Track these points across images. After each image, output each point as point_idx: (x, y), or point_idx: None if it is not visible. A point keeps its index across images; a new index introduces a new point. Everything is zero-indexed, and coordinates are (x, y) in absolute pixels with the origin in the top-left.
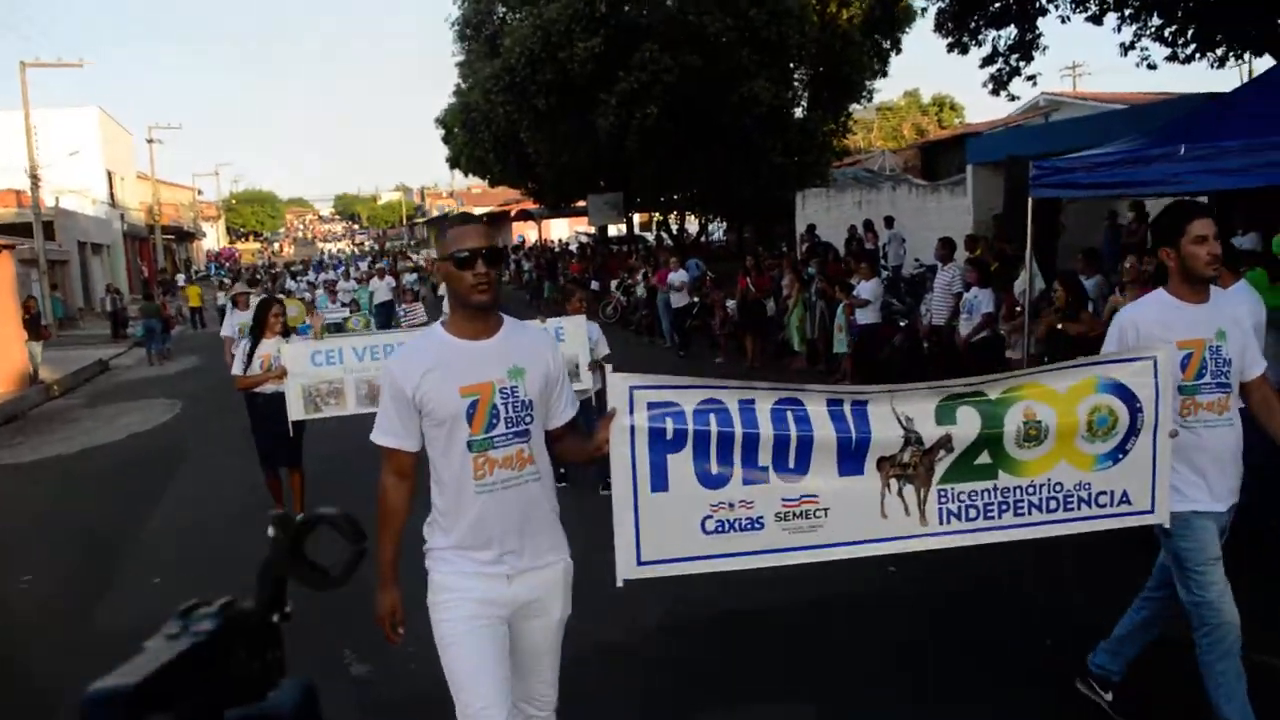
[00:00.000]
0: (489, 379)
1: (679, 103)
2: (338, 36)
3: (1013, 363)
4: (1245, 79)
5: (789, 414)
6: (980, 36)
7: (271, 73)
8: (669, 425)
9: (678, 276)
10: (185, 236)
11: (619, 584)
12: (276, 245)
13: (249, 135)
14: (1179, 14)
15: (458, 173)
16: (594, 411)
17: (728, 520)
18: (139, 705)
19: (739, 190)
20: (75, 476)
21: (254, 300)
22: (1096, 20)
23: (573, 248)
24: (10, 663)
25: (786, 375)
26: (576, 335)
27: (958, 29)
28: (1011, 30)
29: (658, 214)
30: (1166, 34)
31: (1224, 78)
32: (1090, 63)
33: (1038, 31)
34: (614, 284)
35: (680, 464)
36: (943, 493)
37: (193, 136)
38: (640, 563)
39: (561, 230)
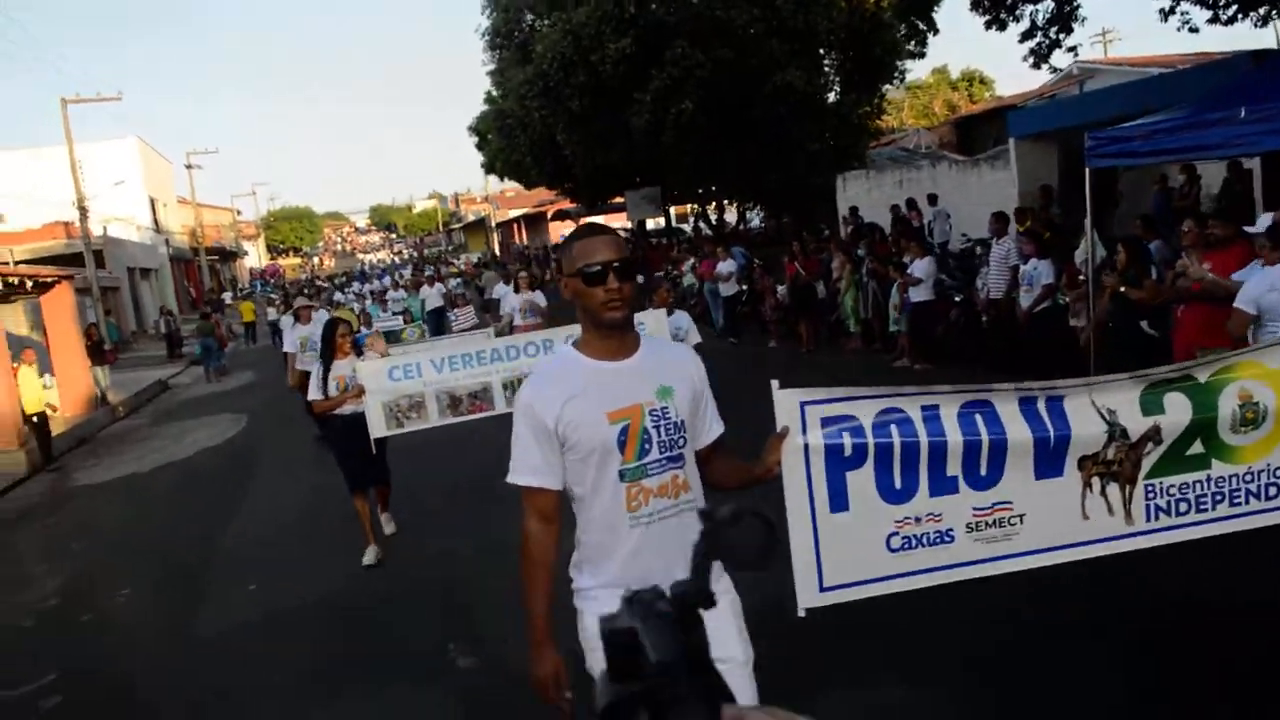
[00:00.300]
0: (637, 401)
1: (713, 96)
2: (366, 51)
3: (1078, 331)
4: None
5: (978, 417)
6: (1018, 11)
7: (300, 91)
8: (847, 441)
9: (726, 266)
10: (228, 256)
11: (800, 614)
12: (316, 259)
13: (282, 154)
14: None
15: (492, 177)
16: None
17: (914, 536)
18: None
19: (776, 179)
20: (152, 493)
21: (317, 315)
22: None
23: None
24: (123, 675)
25: (843, 356)
26: (658, 328)
27: (994, 6)
28: (1049, 3)
29: (695, 205)
30: None
31: (1259, 37)
32: (1120, 27)
33: (1076, 3)
34: (658, 275)
35: (861, 481)
36: (1150, 488)
37: (228, 159)
38: (823, 589)
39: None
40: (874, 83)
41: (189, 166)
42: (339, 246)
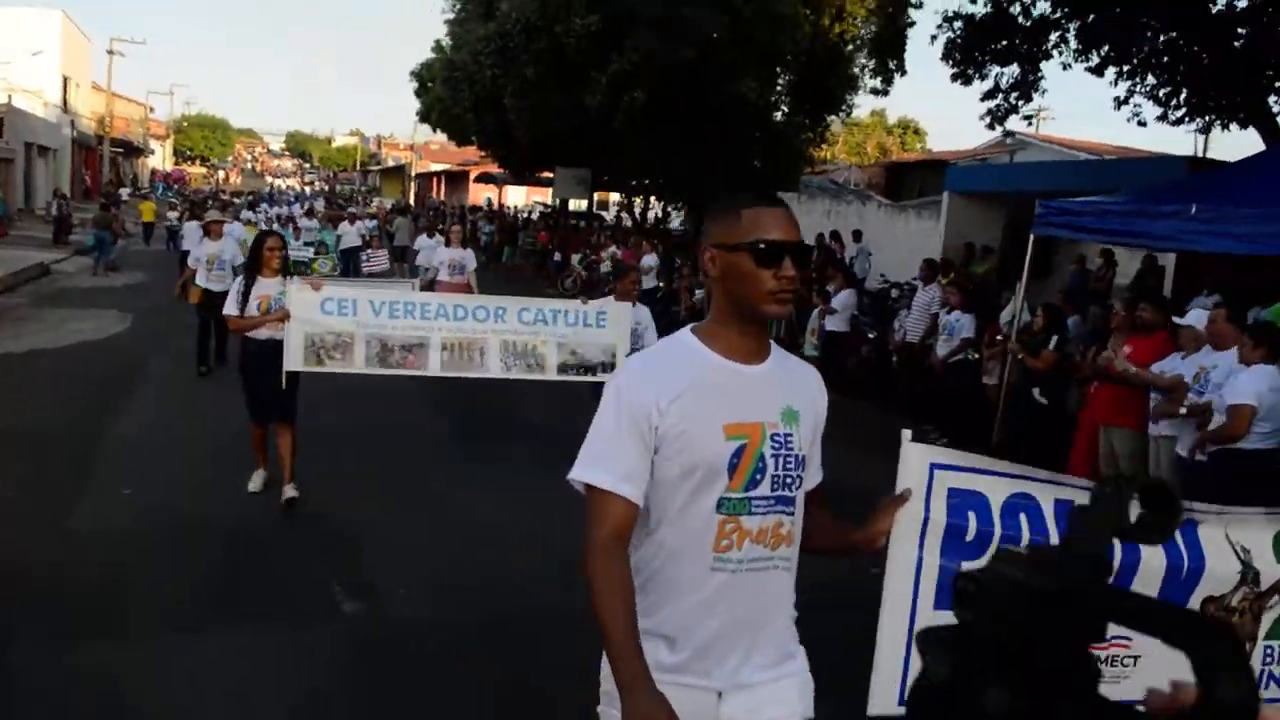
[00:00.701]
0: (759, 419)
1: (667, 91)
2: None
3: (989, 388)
4: (1201, 150)
5: None
6: (984, 71)
7: None
8: (972, 524)
9: (649, 260)
10: (134, 152)
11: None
12: (223, 173)
13: (207, 59)
14: (1177, 77)
15: (423, 127)
16: None
17: None
18: None
19: (713, 183)
20: (25, 376)
21: (228, 229)
22: (1097, 71)
23: (533, 216)
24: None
25: None
26: (620, 322)
27: (964, 61)
28: (1014, 69)
29: (623, 195)
30: (1161, 94)
31: (1180, 142)
32: (1054, 107)
33: (1040, 74)
34: (575, 258)
35: None
36: (1269, 651)
37: (152, 52)
38: (903, 701)
39: (518, 197)
40: (821, 111)
41: (110, 52)
42: (249, 165)
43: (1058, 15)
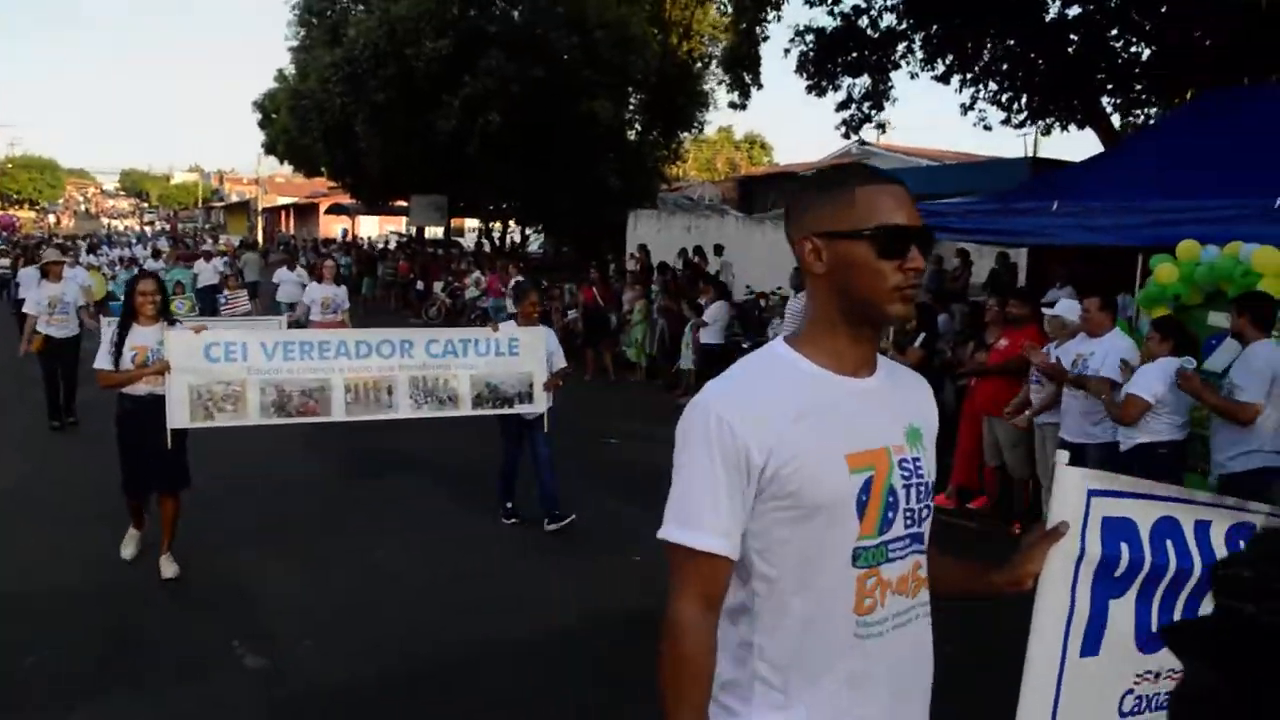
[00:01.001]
0: (883, 444)
1: (520, 113)
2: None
3: None
4: (1032, 153)
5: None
6: (837, 82)
7: (62, 28)
8: (1124, 555)
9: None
10: None
11: None
12: (53, 217)
13: (29, 94)
14: (1017, 82)
15: (269, 159)
16: (541, 433)
17: (1149, 696)
18: None
19: (570, 204)
20: None
21: (69, 273)
22: (943, 79)
23: (390, 245)
24: None
25: (627, 390)
26: (534, 348)
27: (818, 73)
28: (865, 80)
29: (477, 220)
30: (1003, 99)
31: (1013, 145)
32: (895, 119)
33: (890, 83)
34: (438, 286)
35: (1121, 615)
36: None
37: None
38: None
39: (371, 228)
40: (673, 128)
41: None
42: (82, 207)
43: (904, 27)
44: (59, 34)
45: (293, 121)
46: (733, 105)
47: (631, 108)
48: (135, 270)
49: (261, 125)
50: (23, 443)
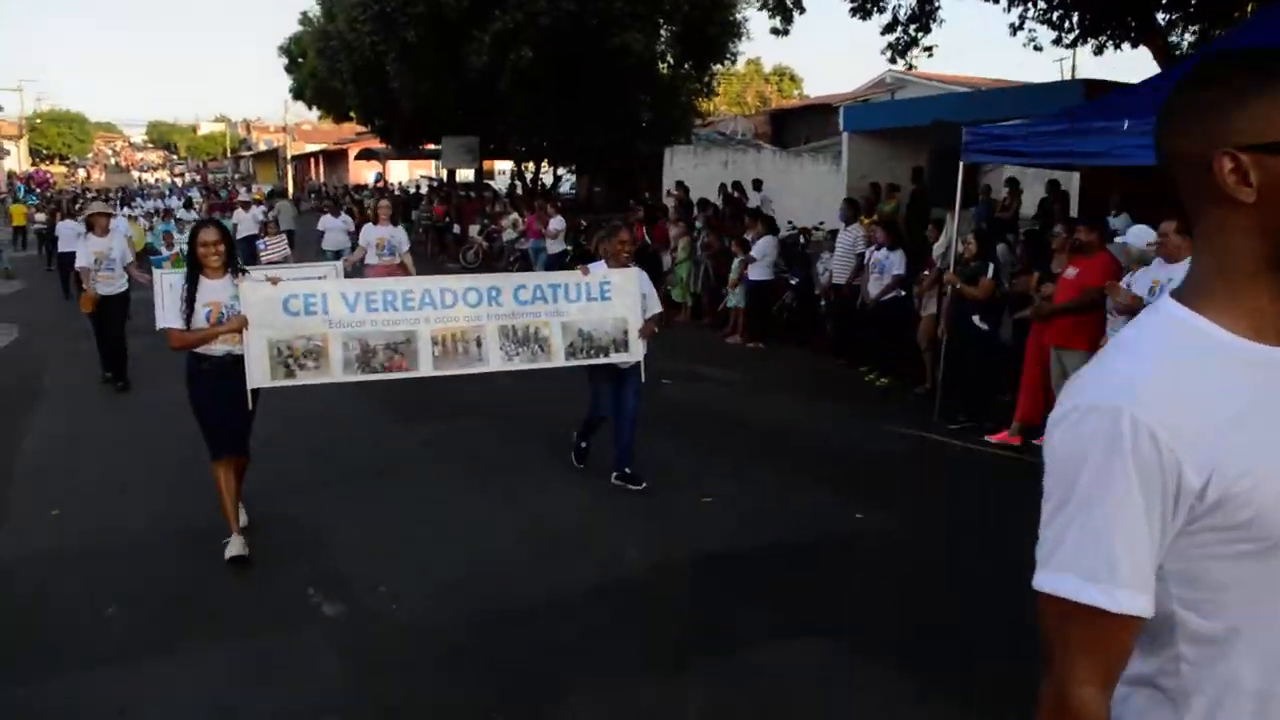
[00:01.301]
0: None
1: (551, 47)
2: None
3: (923, 324)
4: (1069, 74)
5: None
6: (882, 4)
7: None
8: None
9: (556, 223)
10: None
11: None
12: (83, 171)
13: (55, 50)
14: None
15: (293, 106)
16: (634, 384)
17: None
18: None
19: (603, 140)
20: None
21: (115, 224)
22: None
23: (422, 190)
24: None
25: (672, 331)
26: (628, 292)
27: None
28: (911, 1)
29: (509, 163)
30: (1054, 17)
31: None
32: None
33: (936, 4)
34: (474, 229)
35: None
36: None
37: None
38: None
39: (401, 173)
40: (705, 61)
41: None
42: (111, 160)
43: None
44: None
45: (321, 64)
46: (774, 31)
47: (663, 39)
48: (172, 223)
49: (288, 70)
50: (76, 400)
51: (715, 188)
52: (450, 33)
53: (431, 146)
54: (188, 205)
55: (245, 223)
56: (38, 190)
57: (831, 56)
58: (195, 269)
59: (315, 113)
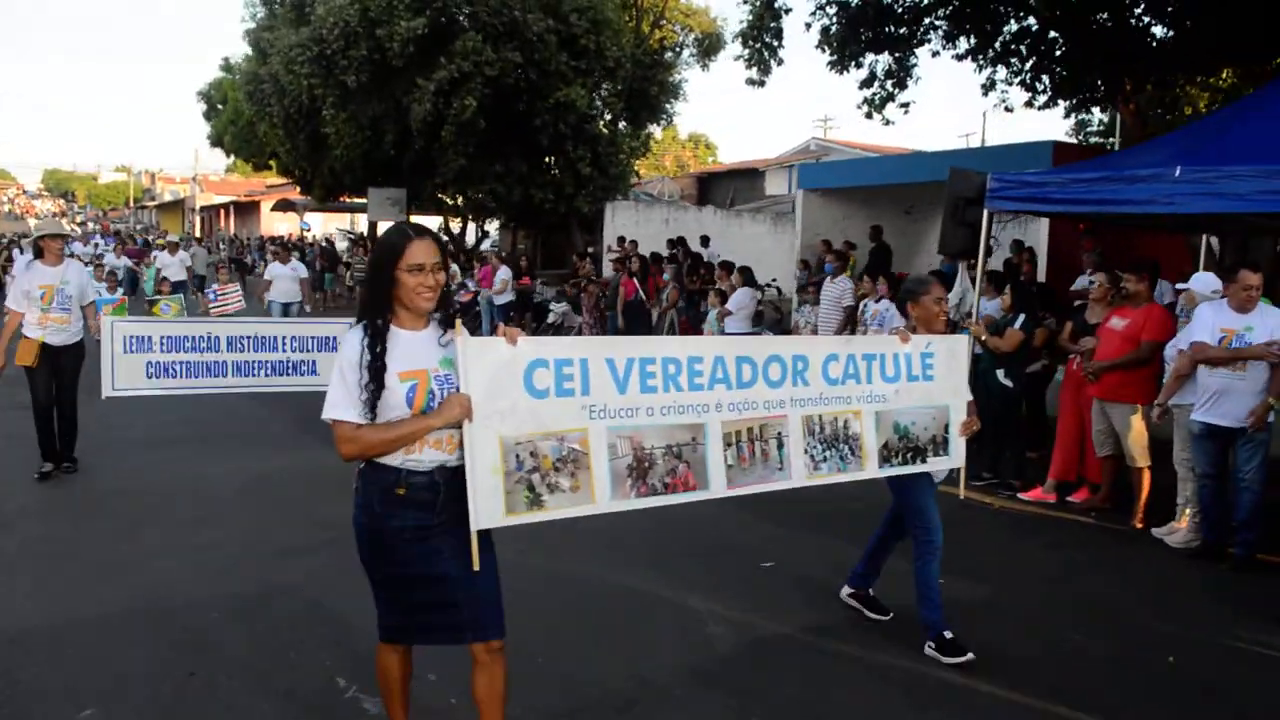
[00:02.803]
0: None
1: (496, 98)
2: None
3: None
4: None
5: None
6: (860, 60)
7: None
8: None
9: (503, 273)
10: None
11: None
12: None
13: None
14: (1043, 60)
15: (202, 157)
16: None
17: None
18: None
19: (543, 195)
20: None
21: (70, 254)
22: (962, 58)
23: (340, 244)
24: None
25: None
26: (955, 368)
27: (840, 48)
28: (887, 57)
29: (433, 217)
30: (1027, 77)
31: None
32: (839, 117)
33: (914, 60)
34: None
35: None
36: None
37: None
38: None
39: (316, 225)
40: (643, 120)
41: None
42: (5, 208)
43: (928, 1)
44: None
45: (250, 107)
46: (750, 83)
47: (604, 96)
48: (105, 271)
49: (206, 116)
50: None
51: (655, 244)
52: (392, 79)
53: (351, 200)
54: (119, 251)
55: (172, 268)
56: None
57: (745, 125)
58: (381, 311)
59: (227, 161)
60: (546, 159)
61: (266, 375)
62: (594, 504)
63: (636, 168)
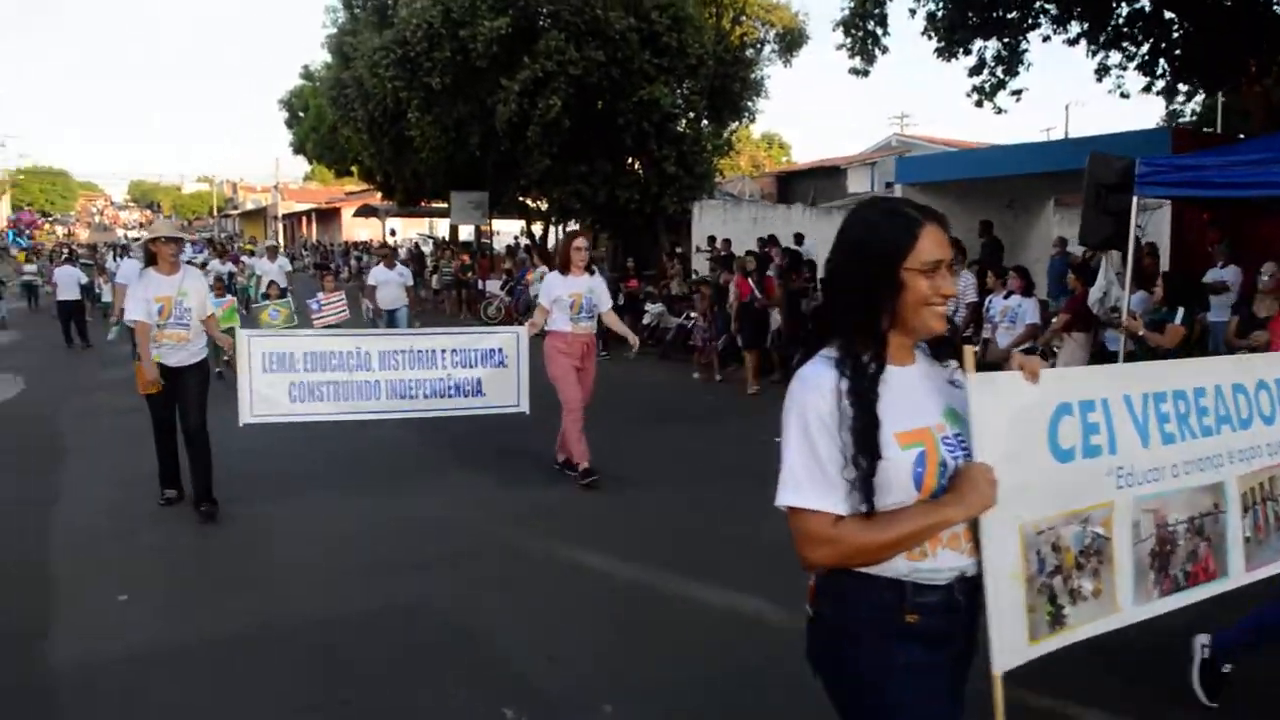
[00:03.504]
0: None
1: (580, 98)
2: (138, 11)
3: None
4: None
5: None
6: (968, 46)
7: (71, 38)
8: None
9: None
10: None
11: None
12: (62, 229)
13: (31, 104)
14: (1159, 43)
15: (284, 162)
16: None
17: None
18: None
19: (628, 195)
20: None
21: (210, 269)
22: (1074, 42)
23: (424, 248)
24: None
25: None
26: None
27: (948, 34)
28: (996, 43)
29: (511, 220)
30: (1143, 61)
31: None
32: (915, 114)
33: (1024, 46)
34: (493, 284)
35: None
36: None
37: None
38: None
39: (396, 230)
40: (725, 118)
41: None
42: (95, 218)
43: None
44: (53, 38)
45: (334, 111)
46: (854, 72)
47: (686, 93)
48: (212, 277)
49: (288, 124)
50: (101, 455)
51: (744, 243)
52: (476, 80)
53: (432, 204)
54: (222, 256)
55: (271, 274)
56: (27, 232)
57: (816, 125)
58: (869, 336)
59: (306, 169)
60: (630, 159)
61: (425, 397)
62: (1119, 613)
63: (720, 166)
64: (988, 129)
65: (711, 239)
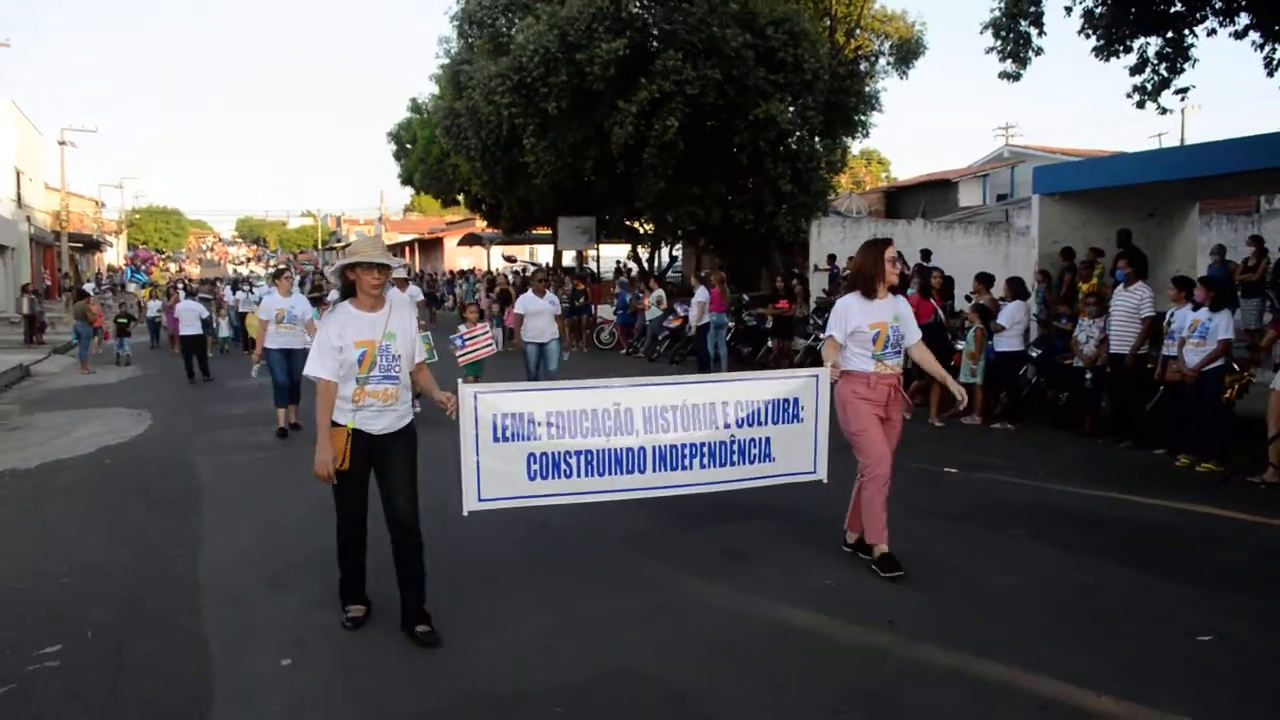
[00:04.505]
0: None
1: (696, 117)
2: (238, 58)
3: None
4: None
5: None
6: (1130, 42)
7: (179, 83)
8: None
9: (701, 295)
10: (90, 246)
11: None
12: (174, 266)
13: (151, 149)
14: None
15: (387, 195)
16: None
17: None
18: None
19: (743, 214)
20: (50, 499)
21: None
22: (1241, 35)
23: (526, 274)
24: None
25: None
26: None
27: (1107, 33)
28: (1158, 39)
29: (617, 245)
30: None
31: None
32: (1022, 124)
33: (1189, 42)
34: (604, 309)
35: None
36: None
37: (93, 143)
38: None
39: (494, 259)
40: (837, 133)
41: (62, 143)
42: (205, 255)
43: None
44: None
45: (446, 141)
46: (1004, 76)
47: (801, 109)
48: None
49: (397, 157)
50: (238, 495)
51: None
52: (592, 104)
53: (536, 231)
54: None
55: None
56: (144, 268)
57: (910, 141)
58: None
59: (405, 201)
60: (745, 178)
61: (702, 466)
62: None
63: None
64: (1096, 139)
65: (830, 257)
